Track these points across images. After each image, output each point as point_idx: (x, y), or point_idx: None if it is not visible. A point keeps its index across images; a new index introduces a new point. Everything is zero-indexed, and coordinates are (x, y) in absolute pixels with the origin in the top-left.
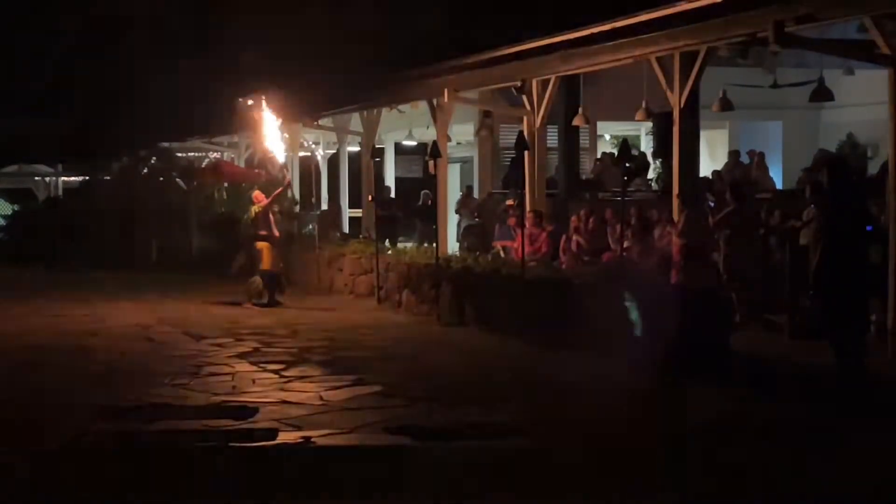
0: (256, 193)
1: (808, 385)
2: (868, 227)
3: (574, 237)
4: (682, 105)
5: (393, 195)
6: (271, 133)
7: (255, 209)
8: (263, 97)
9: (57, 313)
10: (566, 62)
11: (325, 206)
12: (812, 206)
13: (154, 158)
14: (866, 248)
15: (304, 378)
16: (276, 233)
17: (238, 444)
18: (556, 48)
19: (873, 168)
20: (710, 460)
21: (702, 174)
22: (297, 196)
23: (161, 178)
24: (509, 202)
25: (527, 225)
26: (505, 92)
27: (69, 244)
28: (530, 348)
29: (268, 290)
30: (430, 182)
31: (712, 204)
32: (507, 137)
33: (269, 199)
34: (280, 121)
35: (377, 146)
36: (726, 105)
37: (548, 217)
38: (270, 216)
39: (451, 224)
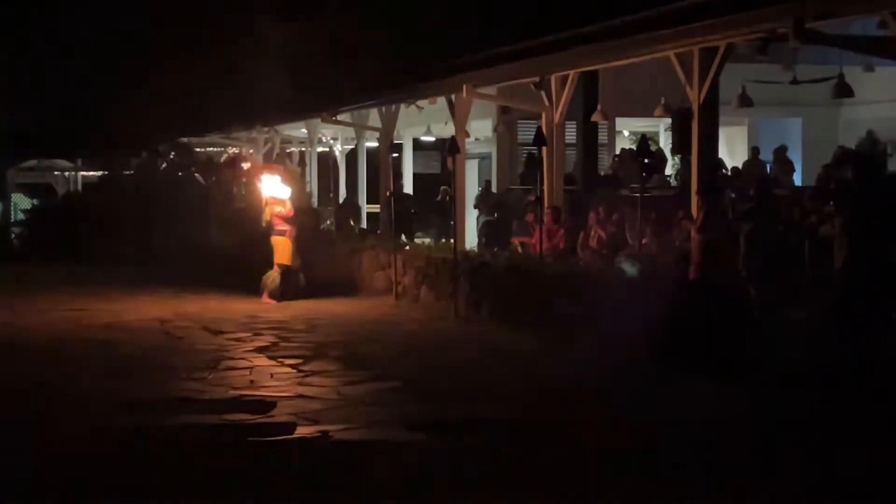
0: (266, 199)
1: (827, 382)
2: (891, 225)
3: (592, 233)
4: (701, 101)
5: (409, 190)
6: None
7: (270, 210)
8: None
9: (76, 307)
10: (585, 58)
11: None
12: (832, 202)
13: (173, 153)
14: (890, 245)
15: (322, 373)
16: (293, 228)
17: (256, 439)
18: (574, 44)
19: (893, 165)
20: (723, 457)
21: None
22: (315, 191)
23: (180, 173)
24: (532, 198)
25: (545, 221)
26: (524, 88)
27: (88, 239)
28: (548, 344)
29: (286, 285)
30: (449, 178)
31: (733, 195)
32: (526, 133)
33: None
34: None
35: (396, 142)
36: (746, 101)
37: (566, 213)
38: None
39: (470, 220)
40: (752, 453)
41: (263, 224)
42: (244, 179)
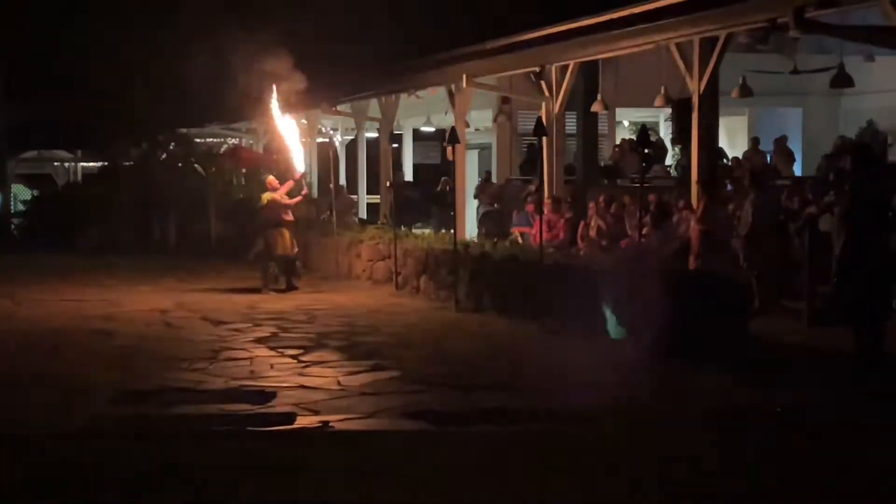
0: (270, 179)
1: (827, 371)
2: (890, 214)
3: (592, 223)
4: (701, 91)
5: (408, 178)
6: (291, 138)
7: (267, 195)
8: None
9: (76, 298)
10: (585, 48)
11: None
12: (831, 192)
13: (173, 144)
14: (888, 235)
15: (322, 363)
16: (291, 218)
17: (256, 429)
18: (574, 34)
19: (893, 155)
20: (724, 446)
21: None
22: (315, 181)
23: (180, 164)
24: (532, 188)
25: (545, 211)
26: (524, 78)
27: (88, 229)
28: (548, 334)
29: (285, 276)
30: (449, 168)
31: (729, 186)
32: (526, 124)
33: (284, 196)
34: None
35: (395, 132)
36: (746, 91)
37: (566, 203)
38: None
39: (470, 210)
40: (751, 443)
41: (262, 203)
42: (243, 169)
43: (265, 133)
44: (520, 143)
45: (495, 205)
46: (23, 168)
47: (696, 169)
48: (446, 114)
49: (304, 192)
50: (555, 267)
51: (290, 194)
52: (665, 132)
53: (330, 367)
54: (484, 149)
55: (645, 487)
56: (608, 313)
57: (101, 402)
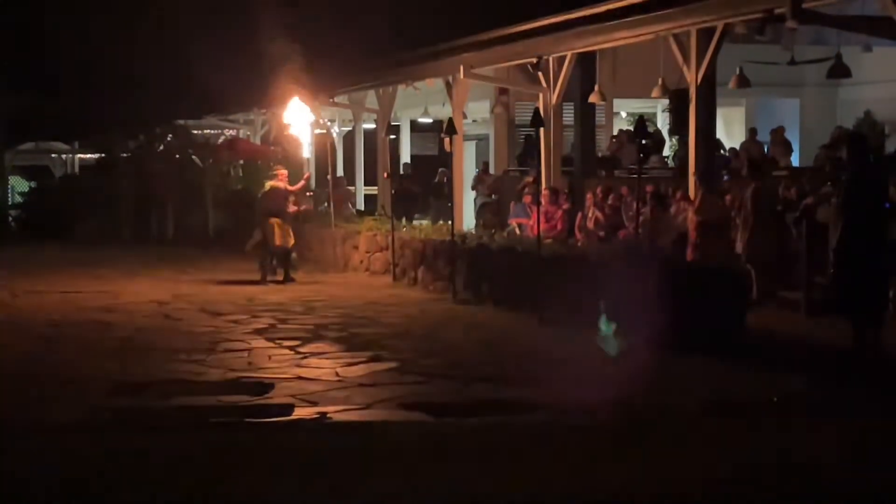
0: (283, 171)
1: (824, 362)
2: (886, 205)
3: (590, 214)
4: (698, 82)
5: (410, 171)
6: (299, 127)
7: (270, 183)
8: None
9: (73, 289)
10: (582, 38)
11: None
12: (829, 182)
13: (170, 136)
14: (886, 225)
15: (320, 354)
16: (291, 209)
17: (254, 420)
18: (572, 24)
19: (891, 145)
20: (721, 436)
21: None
22: (313, 173)
23: (177, 156)
24: (529, 179)
25: (543, 202)
26: (521, 69)
27: (86, 221)
28: (545, 326)
29: (282, 267)
30: (446, 159)
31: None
32: (523, 115)
33: (292, 189)
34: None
35: (393, 123)
36: (743, 82)
37: (563, 195)
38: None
39: (467, 201)
40: (749, 434)
41: (265, 189)
42: (241, 160)
43: (264, 123)
44: (517, 134)
45: (493, 196)
46: (20, 160)
47: (693, 159)
48: (444, 105)
49: (307, 175)
50: (552, 258)
51: (291, 182)
52: (662, 123)
53: (328, 359)
54: (481, 140)
55: (643, 479)
56: (602, 311)
57: (100, 393)
